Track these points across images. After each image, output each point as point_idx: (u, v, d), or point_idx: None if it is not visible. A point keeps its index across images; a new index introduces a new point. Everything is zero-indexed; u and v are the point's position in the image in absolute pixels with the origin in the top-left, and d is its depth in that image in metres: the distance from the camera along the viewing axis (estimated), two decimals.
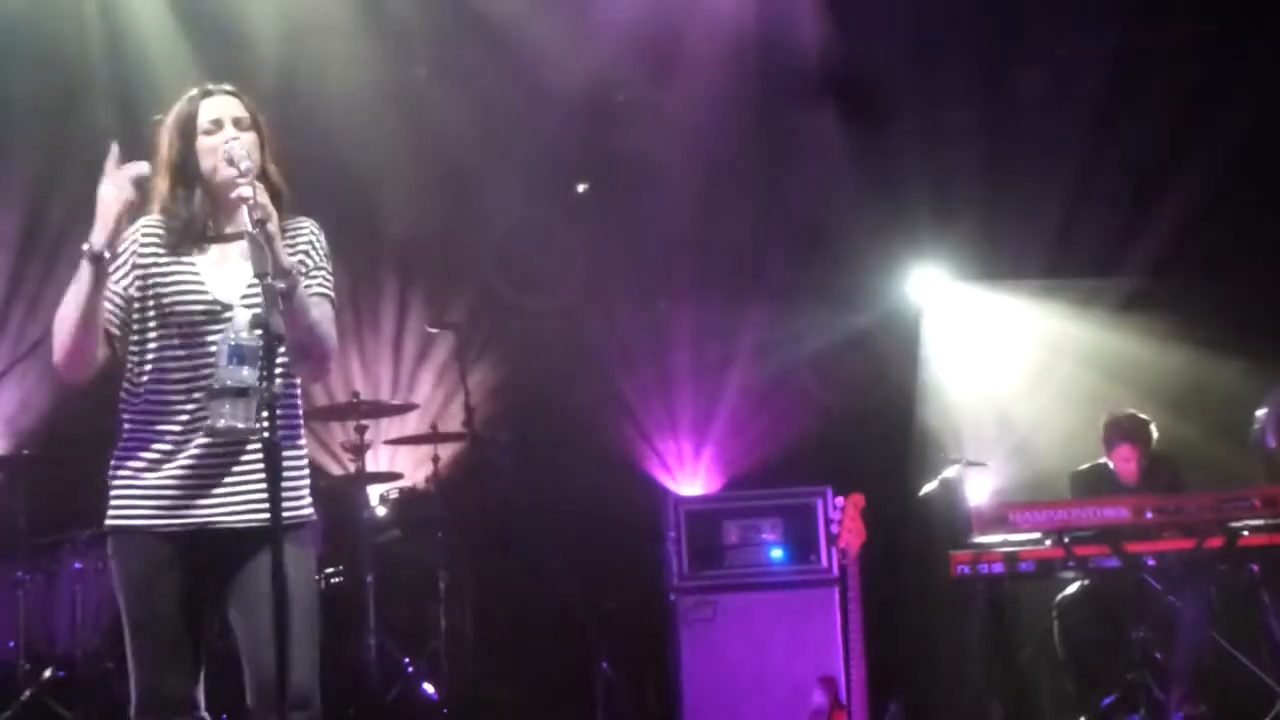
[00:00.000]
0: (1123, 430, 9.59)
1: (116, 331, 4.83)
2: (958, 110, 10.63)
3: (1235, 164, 10.20)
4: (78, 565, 8.94)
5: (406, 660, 9.45)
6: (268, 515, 4.49)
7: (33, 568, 9.10)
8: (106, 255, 4.64)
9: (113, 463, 4.87)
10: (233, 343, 4.50)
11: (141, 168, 4.75)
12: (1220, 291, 10.44)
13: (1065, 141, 10.59)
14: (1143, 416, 9.62)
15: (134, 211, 4.77)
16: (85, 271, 4.64)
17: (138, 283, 4.84)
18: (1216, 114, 10.23)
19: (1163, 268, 10.58)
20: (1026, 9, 10.14)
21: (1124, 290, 10.79)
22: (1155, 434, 9.58)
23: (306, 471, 4.97)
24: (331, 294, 4.98)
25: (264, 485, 4.55)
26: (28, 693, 8.71)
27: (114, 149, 4.72)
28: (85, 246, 4.64)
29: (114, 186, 4.67)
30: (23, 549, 9.13)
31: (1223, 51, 10.20)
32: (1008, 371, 11.29)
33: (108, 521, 4.85)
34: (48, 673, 8.83)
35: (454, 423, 10.44)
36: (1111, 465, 9.59)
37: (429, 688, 9.35)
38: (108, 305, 4.79)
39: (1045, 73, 10.59)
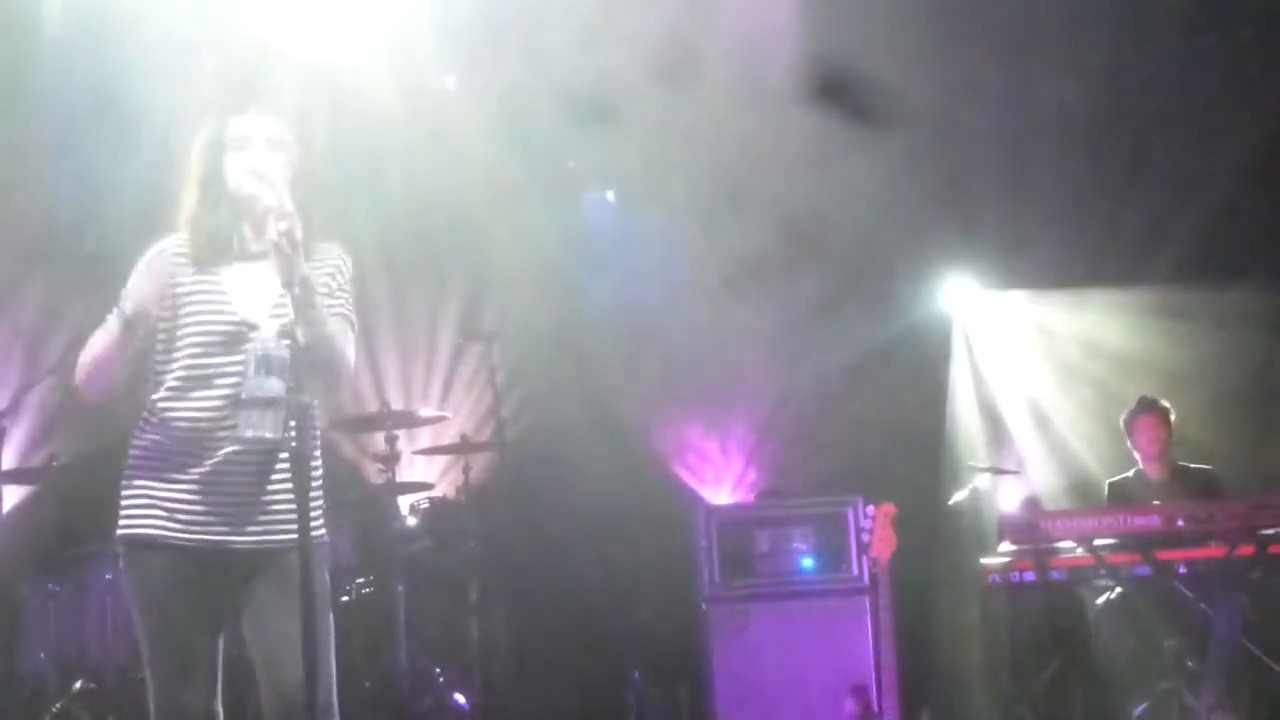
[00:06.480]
0: (1140, 404, 9.63)
1: (140, 345, 4.83)
2: (986, 118, 10.57)
3: (1264, 167, 10.22)
4: (108, 576, 8.88)
5: (438, 670, 9.44)
6: (288, 535, 4.62)
7: (63, 579, 9.12)
8: (135, 320, 4.74)
9: (128, 473, 4.84)
10: (260, 353, 4.51)
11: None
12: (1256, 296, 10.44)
13: (1092, 148, 10.56)
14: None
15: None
16: (114, 325, 4.75)
17: (166, 301, 4.82)
18: (1243, 117, 10.27)
19: (1193, 273, 10.55)
20: (1053, 16, 10.08)
21: (1155, 297, 10.78)
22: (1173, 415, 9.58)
23: (321, 493, 4.89)
24: (352, 317, 4.97)
25: (284, 507, 4.68)
26: (58, 704, 8.74)
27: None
28: (119, 307, 4.76)
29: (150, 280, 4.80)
30: (53, 560, 9.18)
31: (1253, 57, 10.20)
32: (1039, 380, 11.28)
33: (121, 531, 4.81)
34: (78, 684, 8.86)
35: (484, 432, 10.45)
36: (1139, 457, 9.59)
37: (460, 698, 9.34)
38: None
39: (1074, 79, 10.55)
